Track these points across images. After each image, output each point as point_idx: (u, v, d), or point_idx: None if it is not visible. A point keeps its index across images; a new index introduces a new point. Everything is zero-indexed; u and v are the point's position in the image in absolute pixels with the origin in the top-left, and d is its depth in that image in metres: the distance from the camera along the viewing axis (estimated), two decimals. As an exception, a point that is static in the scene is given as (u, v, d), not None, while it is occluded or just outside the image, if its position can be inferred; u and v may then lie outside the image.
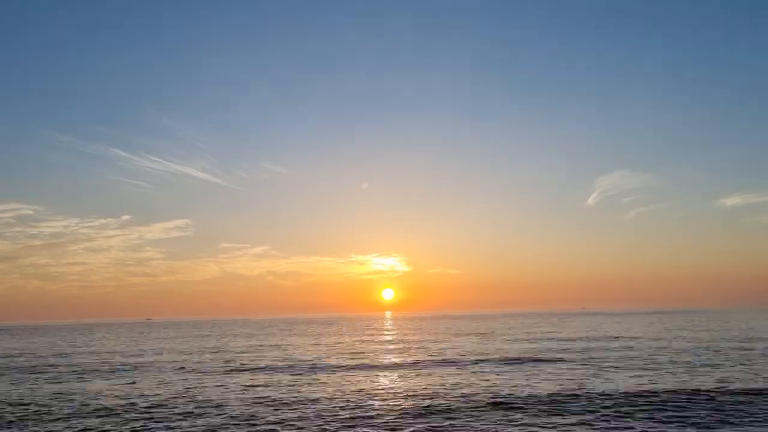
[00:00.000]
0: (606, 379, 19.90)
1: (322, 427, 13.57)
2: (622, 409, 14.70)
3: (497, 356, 28.78)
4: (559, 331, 55.79)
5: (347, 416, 14.68)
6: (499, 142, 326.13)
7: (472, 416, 14.33)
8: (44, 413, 15.92)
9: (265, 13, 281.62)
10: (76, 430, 13.90)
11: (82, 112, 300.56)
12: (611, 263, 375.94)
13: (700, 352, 29.19)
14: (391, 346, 39.43)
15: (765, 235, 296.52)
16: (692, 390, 17.04)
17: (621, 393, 16.84)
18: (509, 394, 16.98)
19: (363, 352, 34.24)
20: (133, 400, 17.61)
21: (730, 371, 21.30)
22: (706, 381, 18.91)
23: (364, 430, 13.25)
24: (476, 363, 26.00)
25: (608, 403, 15.50)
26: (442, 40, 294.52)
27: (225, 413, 15.26)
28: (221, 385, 20.41)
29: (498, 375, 21.61)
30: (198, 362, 29.85)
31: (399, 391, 18.49)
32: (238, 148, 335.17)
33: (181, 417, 14.94)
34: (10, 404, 17.54)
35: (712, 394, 16.42)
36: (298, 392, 18.61)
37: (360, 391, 18.66)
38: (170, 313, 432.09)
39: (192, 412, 15.50)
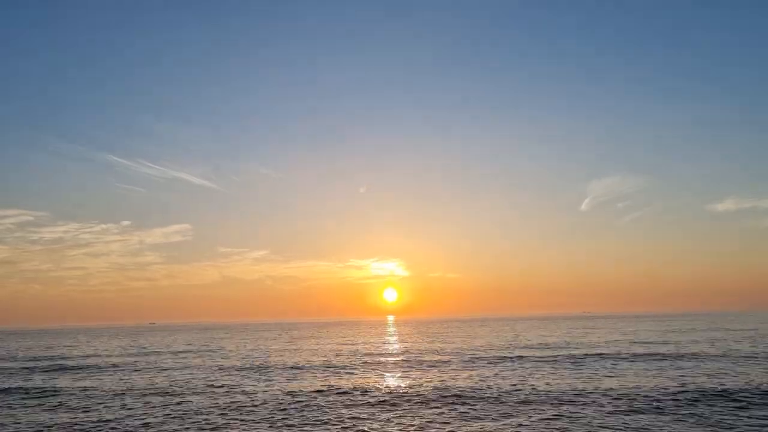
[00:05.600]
0: None
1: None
2: None
3: None
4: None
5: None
6: (495, 145, 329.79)
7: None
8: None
9: (258, 22, 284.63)
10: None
11: (82, 119, 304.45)
12: (609, 267, 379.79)
13: None
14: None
15: (757, 238, 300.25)
16: None
17: None
18: None
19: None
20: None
21: None
22: None
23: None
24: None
25: None
26: (438, 42, 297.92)
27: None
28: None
29: None
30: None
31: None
32: (236, 153, 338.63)
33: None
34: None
35: None
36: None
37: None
38: (171, 317, 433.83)
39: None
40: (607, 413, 15.63)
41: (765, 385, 19.42)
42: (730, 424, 14.17)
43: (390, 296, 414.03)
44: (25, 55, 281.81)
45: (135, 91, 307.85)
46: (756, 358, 28.73)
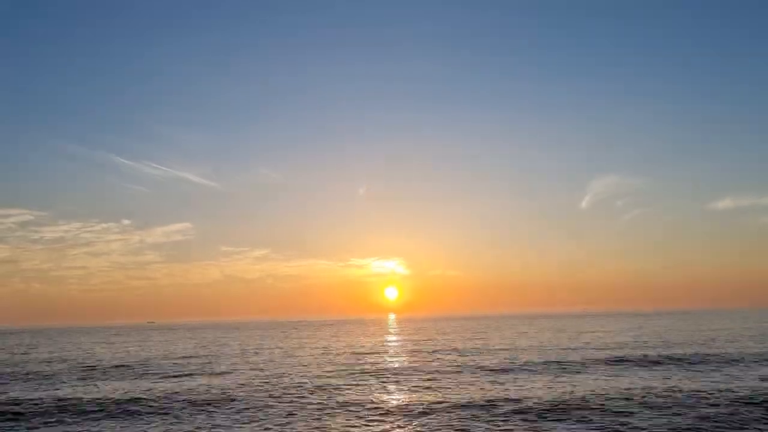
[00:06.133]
0: None
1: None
2: None
3: None
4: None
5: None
6: (496, 145, 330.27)
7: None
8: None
9: (258, 23, 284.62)
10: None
11: (83, 119, 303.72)
12: (609, 265, 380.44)
13: None
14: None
15: (756, 236, 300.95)
16: None
17: None
18: None
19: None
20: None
21: None
22: None
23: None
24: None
25: None
26: (439, 42, 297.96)
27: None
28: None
29: None
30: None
31: None
32: (236, 153, 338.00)
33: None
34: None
35: None
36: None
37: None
38: (171, 315, 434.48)
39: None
40: None
41: None
42: None
43: (391, 294, 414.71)
44: (26, 55, 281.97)
45: (135, 91, 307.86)
46: None
